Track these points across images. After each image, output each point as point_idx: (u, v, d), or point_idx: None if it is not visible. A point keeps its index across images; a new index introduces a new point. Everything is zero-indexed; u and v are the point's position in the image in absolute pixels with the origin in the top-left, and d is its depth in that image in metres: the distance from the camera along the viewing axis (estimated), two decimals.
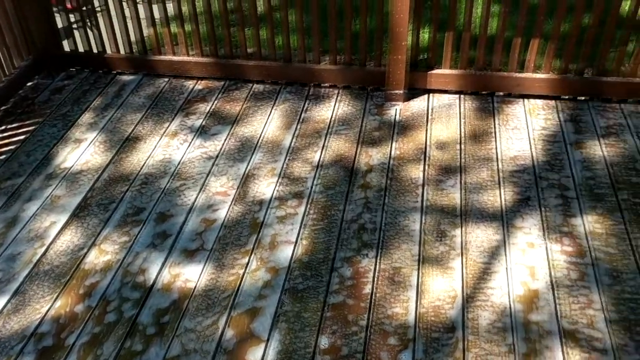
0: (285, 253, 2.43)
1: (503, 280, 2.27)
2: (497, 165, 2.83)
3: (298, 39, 3.34)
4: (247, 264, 2.39)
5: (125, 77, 3.67)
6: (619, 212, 2.54)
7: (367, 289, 2.26)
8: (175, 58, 3.56)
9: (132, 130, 3.21)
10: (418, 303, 2.20)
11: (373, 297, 2.23)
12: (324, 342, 2.08)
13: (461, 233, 2.47)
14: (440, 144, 2.98)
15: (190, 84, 3.57)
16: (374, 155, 2.93)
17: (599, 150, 2.89)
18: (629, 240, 2.41)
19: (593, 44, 3.07)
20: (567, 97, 3.24)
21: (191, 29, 3.46)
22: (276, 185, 2.77)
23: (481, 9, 3.08)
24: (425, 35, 3.66)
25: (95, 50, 3.70)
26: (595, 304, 2.16)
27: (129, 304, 2.25)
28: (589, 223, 2.49)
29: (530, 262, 2.33)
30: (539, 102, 3.24)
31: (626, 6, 3.27)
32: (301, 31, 3.29)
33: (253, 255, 2.43)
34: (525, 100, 3.26)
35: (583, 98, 3.24)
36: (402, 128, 3.10)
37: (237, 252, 2.45)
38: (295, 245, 2.46)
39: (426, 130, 3.08)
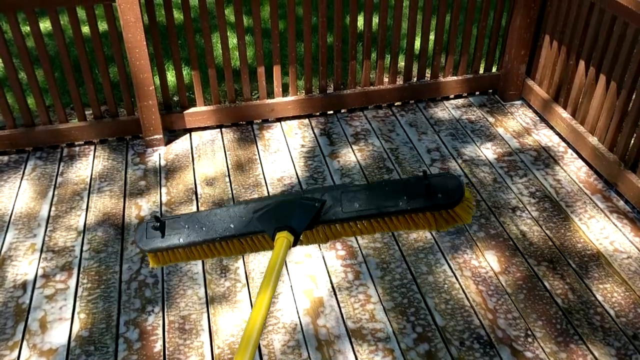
0: (60, 333, 2.21)
1: (289, 298, 2.34)
2: (266, 189, 2.92)
3: (36, 100, 3.09)
4: (18, 357, 2.13)
5: None
6: None
7: (158, 345, 2.16)
8: None
9: None
10: (212, 345, 2.16)
11: (165, 353, 2.13)
12: None
13: (243, 264, 2.50)
14: (209, 180, 2.99)
15: None
16: (143, 206, 2.83)
17: (352, 156, 3.15)
18: (391, 232, 2.66)
19: (327, 62, 3.35)
20: (317, 113, 3.49)
21: None
22: (39, 261, 2.52)
23: (220, 45, 3.17)
24: (172, 76, 3.65)
25: None
26: (373, 298, 2.34)
27: None
28: None
29: (312, 272, 2.45)
30: (294, 122, 3.44)
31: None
32: (37, 90, 3.04)
33: (23, 345, 2.17)
34: (282, 122, 3.44)
35: (331, 112, 3.51)
36: (168, 172, 3.05)
37: (3, 347, 2.16)
38: (71, 322, 2.26)
39: (193, 169, 3.07)
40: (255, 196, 2.86)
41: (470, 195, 1.23)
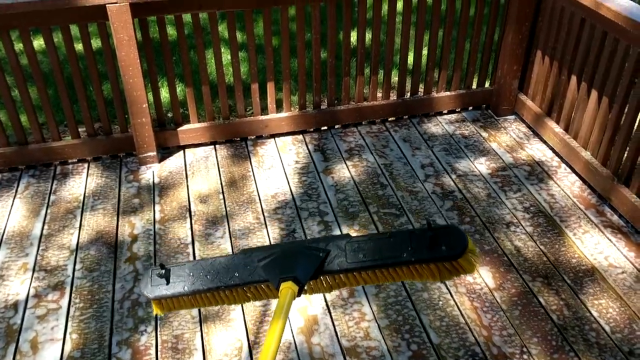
0: (52, 353, 2.19)
1: None
2: (260, 206, 2.91)
3: (29, 117, 3.08)
4: None
5: None
6: (373, 224, 2.79)
7: None
8: None
9: None
10: None
11: None
12: None
13: None
14: (202, 197, 2.98)
15: None
16: (137, 224, 2.81)
17: (347, 172, 3.15)
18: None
19: (321, 78, 3.36)
20: (311, 129, 3.49)
21: None
22: (31, 281, 2.50)
23: (214, 61, 3.17)
24: (166, 93, 3.66)
25: None
26: (368, 315, 2.32)
27: None
28: None
29: None
30: (288, 138, 3.44)
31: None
32: (30, 108, 3.04)
33: None
34: (277, 138, 3.44)
35: (325, 128, 3.52)
36: (162, 189, 3.04)
37: None
38: (63, 343, 2.23)
39: (187, 186, 3.06)
40: (250, 214, 2.86)
41: (474, 247, 1.24)
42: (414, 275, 1.25)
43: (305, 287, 1.30)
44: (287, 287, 1.22)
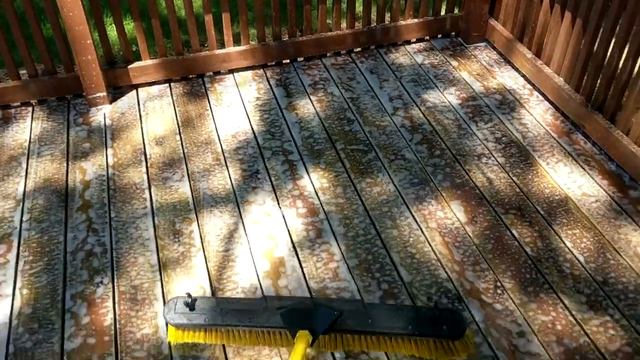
0: (0, 311, 2.05)
1: (247, 260, 2.21)
2: (220, 146, 2.75)
3: None
4: None
5: None
6: (340, 162, 2.66)
7: (109, 319, 2.02)
8: None
9: None
10: None
11: (117, 326, 1.99)
12: None
13: (198, 226, 2.35)
14: (158, 139, 2.79)
15: None
16: (88, 169, 2.63)
17: (311, 107, 2.99)
18: (353, 186, 2.53)
19: (280, 8, 3.14)
20: (272, 63, 3.29)
21: None
22: None
23: None
24: (113, 31, 3.37)
25: None
26: (336, 256, 2.23)
27: None
28: (316, 180, 2.56)
29: (271, 232, 2.32)
30: (248, 73, 3.24)
31: None
32: None
33: None
34: (235, 74, 3.23)
35: (287, 61, 3.32)
36: (115, 132, 2.84)
37: None
38: (12, 299, 2.09)
39: (141, 127, 2.87)
40: (209, 155, 2.69)
41: (470, 334, 1.39)
42: (412, 348, 1.39)
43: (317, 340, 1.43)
44: (304, 335, 1.38)
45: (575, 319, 2.00)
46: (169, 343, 1.88)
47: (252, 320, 1.43)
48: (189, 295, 1.46)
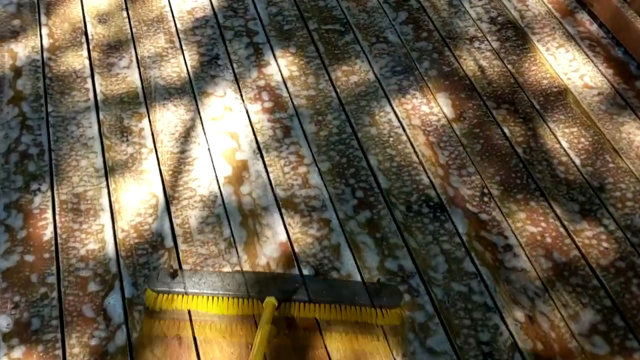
0: None
1: (206, 163, 1.95)
2: (174, 25, 2.37)
3: None
4: None
5: None
6: (313, 44, 2.32)
7: (48, 233, 1.79)
8: None
9: None
10: (115, 227, 1.80)
11: (58, 241, 1.77)
12: (6, 323, 1.61)
13: (149, 123, 2.06)
14: (101, 16, 2.40)
15: None
16: (19, 53, 2.26)
17: None
18: (327, 75, 2.22)
19: None
20: None
21: None
22: None
23: None
24: None
25: None
26: (306, 159, 1.97)
27: None
28: (285, 67, 2.24)
29: (233, 129, 2.04)
30: None
31: None
32: None
33: None
34: None
35: None
36: (49, 6, 2.43)
37: None
38: None
39: (80, 2, 2.45)
40: (161, 36, 2.32)
41: (404, 306, 1.62)
42: (357, 315, 1.59)
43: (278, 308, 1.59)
44: (270, 302, 1.57)
45: (567, 230, 1.82)
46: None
47: (227, 290, 1.59)
48: (171, 267, 1.65)
